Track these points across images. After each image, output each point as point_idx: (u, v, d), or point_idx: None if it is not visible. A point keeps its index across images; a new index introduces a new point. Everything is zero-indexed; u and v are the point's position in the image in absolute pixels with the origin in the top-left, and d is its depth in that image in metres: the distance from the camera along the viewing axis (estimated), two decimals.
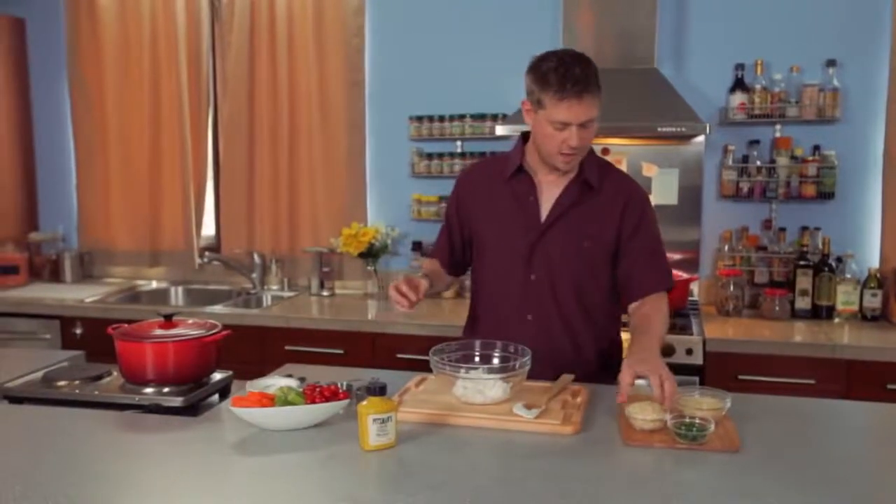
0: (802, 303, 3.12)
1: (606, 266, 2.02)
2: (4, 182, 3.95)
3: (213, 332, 1.91)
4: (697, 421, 1.57)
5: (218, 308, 3.40)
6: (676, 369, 2.70)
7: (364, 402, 1.53)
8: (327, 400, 1.64)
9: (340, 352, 3.11)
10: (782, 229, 3.25)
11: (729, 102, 3.24)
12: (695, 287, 3.35)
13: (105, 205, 3.99)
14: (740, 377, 2.77)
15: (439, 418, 1.69)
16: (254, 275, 3.76)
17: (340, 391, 1.69)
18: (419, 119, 3.56)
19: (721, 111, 3.30)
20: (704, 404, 1.67)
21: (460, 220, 2.13)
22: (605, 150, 3.40)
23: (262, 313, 3.30)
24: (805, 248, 3.17)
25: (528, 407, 1.70)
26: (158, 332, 1.87)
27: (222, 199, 3.88)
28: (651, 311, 1.97)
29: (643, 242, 2.01)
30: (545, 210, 2.01)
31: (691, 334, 2.85)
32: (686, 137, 3.24)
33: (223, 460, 1.51)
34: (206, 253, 3.82)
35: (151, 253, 3.96)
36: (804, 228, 3.23)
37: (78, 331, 3.36)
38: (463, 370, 1.77)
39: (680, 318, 3.06)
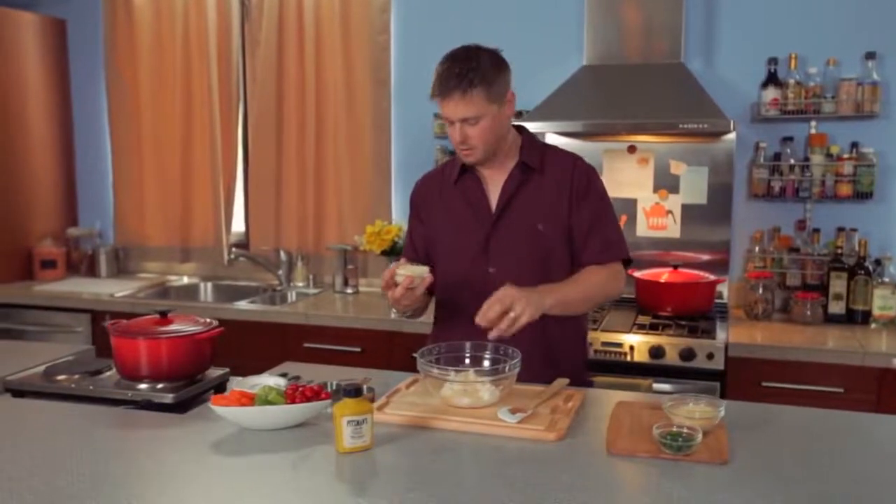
0: (836, 307, 2.99)
1: (564, 246, 2.00)
2: (46, 179, 4.07)
3: (207, 329, 1.91)
4: (685, 431, 1.51)
5: (242, 304, 3.44)
6: (696, 374, 2.69)
7: (339, 404, 1.51)
8: (308, 400, 1.63)
9: (358, 350, 3.11)
10: (816, 230, 3.12)
11: (761, 98, 3.12)
12: (724, 289, 3.23)
13: (139, 201, 4.07)
14: (764, 384, 2.67)
15: (422, 421, 1.66)
16: (280, 271, 3.79)
17: (324, 392, 1.68)
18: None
19: (753, 107, 3.18)
20: (697, 413, 1.60)
21: (425, 234, 2.13)
22: (632, 148, 3.32)
23: (282, 310, 3.32)
24: (840, 251, 3.03)
25: (514, 411, 1.65)
26: (152, 328, 1.89)
27: (251, 196, 3.92)
28: (587, 271, 1.98)
29: (591, 213, 2.01)
30: (494, 201, 2.02)
31: (713, 338, 2.75)
32: (711, 134, 3.14)
33: (198, 459, 1.51)
34: (234, 249, 3.86)
35: (183, 249, 4.03)
36: (840, 230, 3.09)
37: (107, 324, 3.42)
38: (451, 373, 1.74)
39: (704, 321, 2.97)
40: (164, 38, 3.94)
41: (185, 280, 3.99)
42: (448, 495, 1.35)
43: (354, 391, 1.52)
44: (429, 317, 2.19)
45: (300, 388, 1.65)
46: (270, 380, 1.80)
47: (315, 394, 1.65)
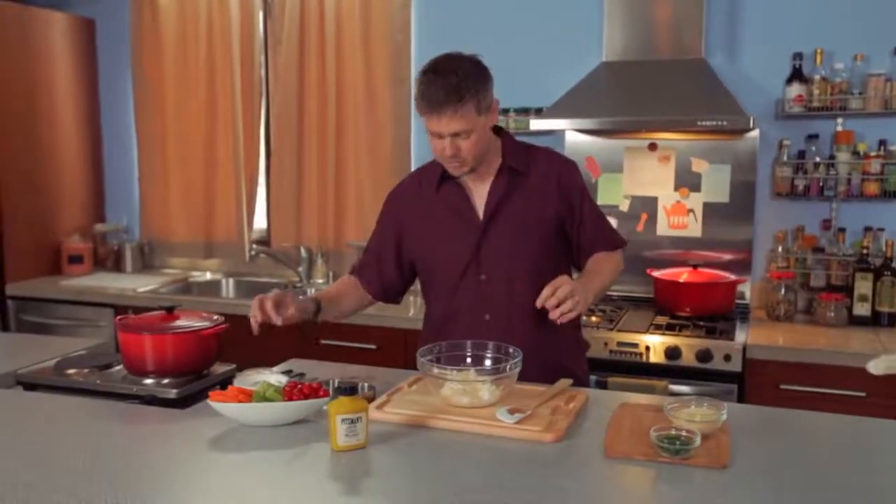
0: (861, 309, 2.91)
1: (553, 246, 1.99)
2: (74, 176, 4.13)
3: (212, 325, 1.92)
4: (683, 434, 1.48)
5: None
6: (713, 376, 2.64)
7: (333, 402, 1.51)
8: (305, 397, 1.63)
9: (373, 347, 3.11)
10: (842, 230, 3.04)
11: (785, 94, 3.05)
12: (746, 290, 3.17)
13: (164, 197, 4.12)
14: (783, 387, 2.61)
15: (421, 420, 1.65)
16: (300, 268, 3.81)
17: (322, 389, 1.68)
18: None
19: (777, 104, 3.11)
20: (698, 415, 1.57)
21: (396, 241, 2.09)
22: (653, 146, 3.28)
23: None
24: (866, 251, 2.95)
25: (513, 412, 1.64)
26: (158, 324, 1.91)
27: (272, 193, 3.95)
28: (600, 259, 2.02)
29: (590, 209, 2.04)
30: (480, 208, 1.98)
31: (731, 339, 2.70)
32: (733, 132, 3.07)
33: (195, 454, 1.51)
34: (254, 246, 3.89)
35: (206, 245, 4.07)
36: (867, 229, 3.01)
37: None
38: (450, 372, 1.72)
39: (724, 321, 2.91)
40: (189, 36, 3.98)
41: (208, 276, 4.02)
42: (439, 495, 1.34)
43: (349, 389, 1.52)
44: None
45: (298, 386, 1.66)
46: (272, 377, 1.81)
47: (313, 391, 1.65)
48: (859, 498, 1.33)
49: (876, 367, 1.30)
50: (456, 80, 1.79)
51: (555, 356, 1.99)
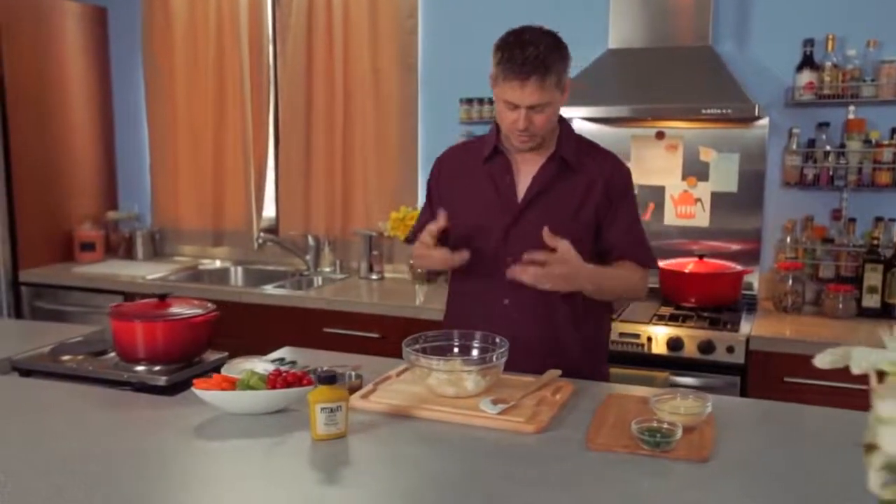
0: (871, 301, 2.86)
1: (587, 245, 1.92)
2: (87, 164, 4.17)
3: (204, 312, 1.93)
4: (664, 426, 1.46)
5: (267, 288, 3.47)
6: (716, 368, 2.61)
7: (313, 391, 1.51)
8: (289, 386, 1.63)
9: (377, 336, 3.11)
10: (852, 220, 2.98)
11: (795, 82, 2.99)
12: (754, 280, 3.13)
13: (174, 185, 4.15)
14: (787, 379, 2.57)
15: (404, 410, 1.64)
16: (308, 256, 3.81)
17: (306, 378, 1.68)
18: (469, 101, 3.49)
19: (787, 91, 3.05)
20: (682, 408, 1.54)
21: (441, 203, 2.05)
22: (660, 134, 3.23)
23: (306, 295, 3.34)
24: (876, 242, 2.89)
25: (496, 402, 1.63)
26: (150, 311, 1.92)
27: (280, 181, 3.95)
28: (627, 268, 1.96)
29: (627, 215, 1.98)
30: (522, 190, 1.95)
31: (735, 331, 2.66)
32: (741, 120, 3.02)
33: (177, 441, 1.52)
34: (263, 234, 3.90)
35: (215, 233, 4.10)
36: (878, 219, 2.95)
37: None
38: (435, 362, 1.71)
39: (729, 312, 2.87)
40: (198, 24, 3.99)
41: (217, 264, 4.05)
42: (415, 485, 1.34)
43: (329, 378, 1.51)
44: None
45: (283, 374, 1.66)
46: (260, 364, 1.82)
47: (297, 380, 1.65)
48: (843, 493, 1.30)
49: (821, 360, 1.27)
50: (543, 52, 1.76)
51: (572, 353, 1.95)
